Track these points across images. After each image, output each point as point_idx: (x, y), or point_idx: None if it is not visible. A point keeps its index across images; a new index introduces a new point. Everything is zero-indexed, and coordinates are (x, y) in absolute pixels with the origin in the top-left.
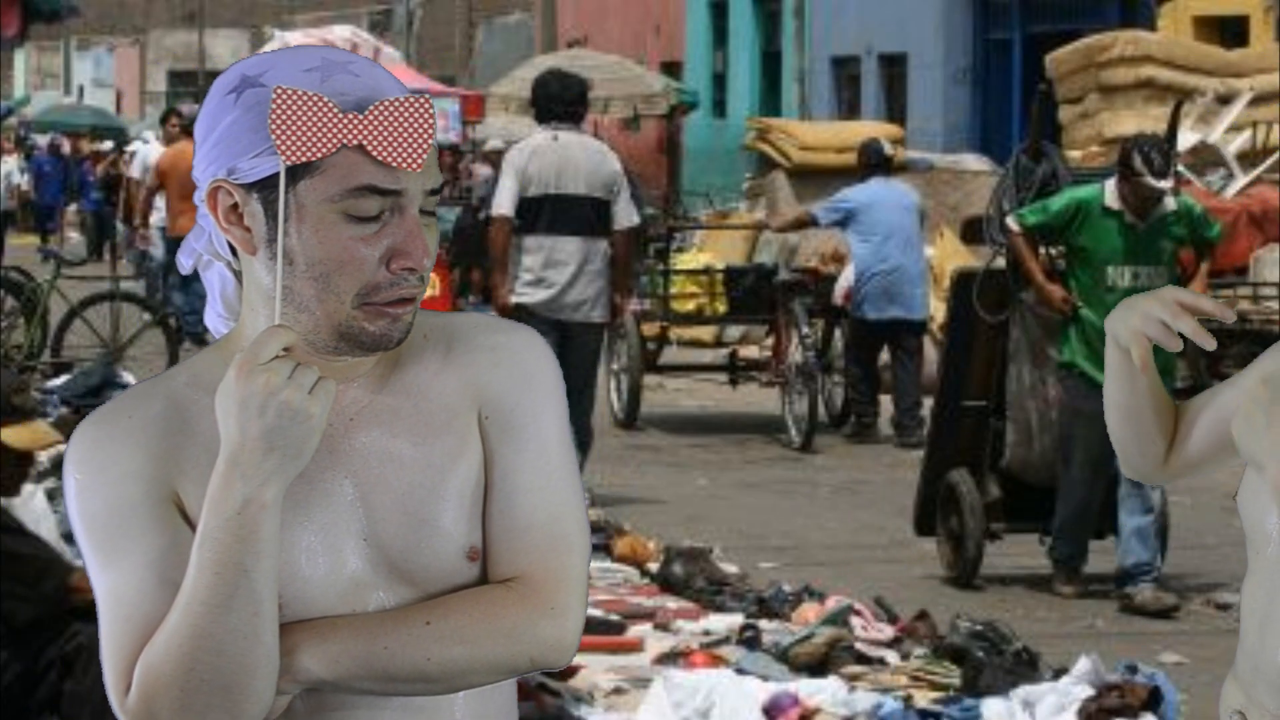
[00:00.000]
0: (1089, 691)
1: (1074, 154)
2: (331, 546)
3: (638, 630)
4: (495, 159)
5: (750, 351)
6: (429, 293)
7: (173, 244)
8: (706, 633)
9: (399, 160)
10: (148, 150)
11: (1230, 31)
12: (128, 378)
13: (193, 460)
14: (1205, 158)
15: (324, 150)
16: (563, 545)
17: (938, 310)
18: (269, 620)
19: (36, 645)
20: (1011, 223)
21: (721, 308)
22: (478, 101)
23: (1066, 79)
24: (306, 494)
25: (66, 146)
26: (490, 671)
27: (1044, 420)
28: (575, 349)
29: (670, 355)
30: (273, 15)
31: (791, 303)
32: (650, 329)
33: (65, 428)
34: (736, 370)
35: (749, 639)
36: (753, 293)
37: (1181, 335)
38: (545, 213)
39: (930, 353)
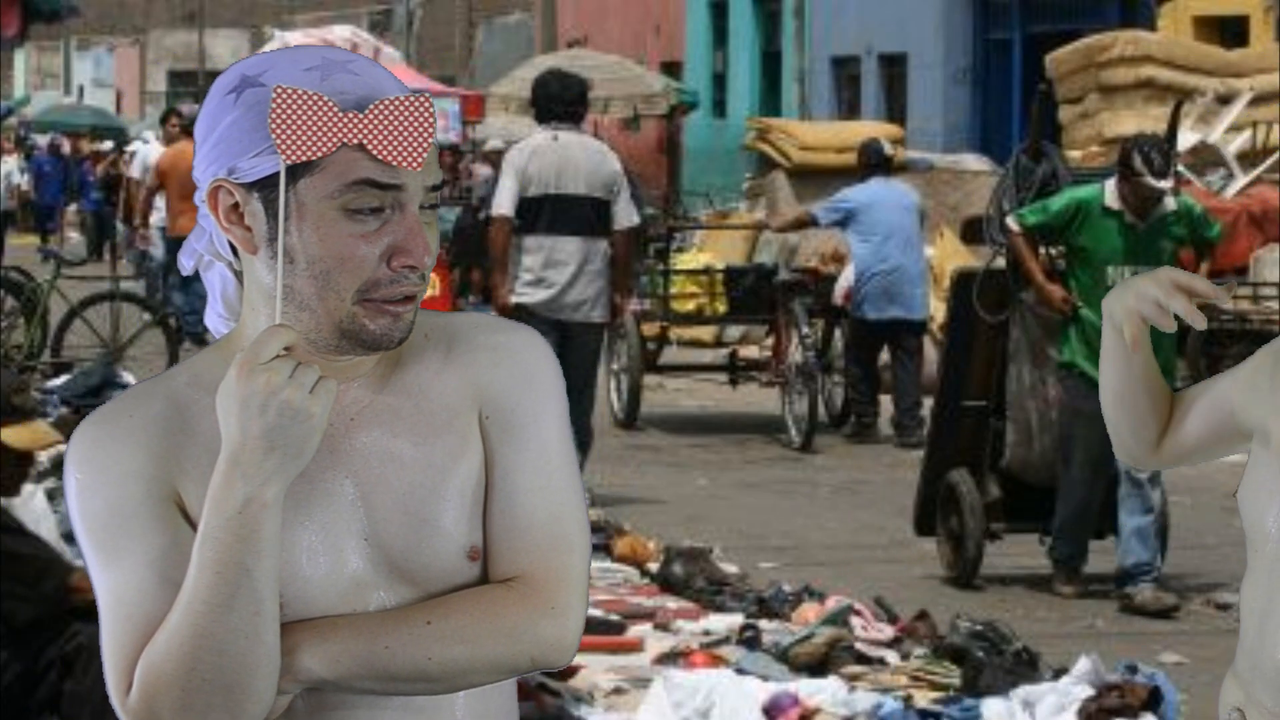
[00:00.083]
0: (1089, 691)
1: (1074, 154)
2: (332, 546)
3: (638, 630)
4: (495, 159)
5: (750, 351)
6: (429, 293)
7: (173, 244)
8: (706, 633)
9: (399, 159)
10: (148, 150)
11: (1230, 31)
12: (128, 378)
13: (194, 460)
14: (1205, 158)
15: (324, 149)
16: (563, 545)
17: (938, 310)
18: (270, 619)
19: (36, 645)
20: (1011, 223)
21: (721, 308)
22: (478, 101)
23: (1066, 79)
24: (307, 493)
25: (66, 146)
26: (491, 671)
27: (1044, 420)
28: (575, 349)
29: (670, 355)
30: (273, 15)
31: (791, 303)
32: (650, 329)
33: (65, 428)
34: (736, 370)
35: (749, 639)
36: (753, 293)
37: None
38: (545, 213)
39: (930, 353)
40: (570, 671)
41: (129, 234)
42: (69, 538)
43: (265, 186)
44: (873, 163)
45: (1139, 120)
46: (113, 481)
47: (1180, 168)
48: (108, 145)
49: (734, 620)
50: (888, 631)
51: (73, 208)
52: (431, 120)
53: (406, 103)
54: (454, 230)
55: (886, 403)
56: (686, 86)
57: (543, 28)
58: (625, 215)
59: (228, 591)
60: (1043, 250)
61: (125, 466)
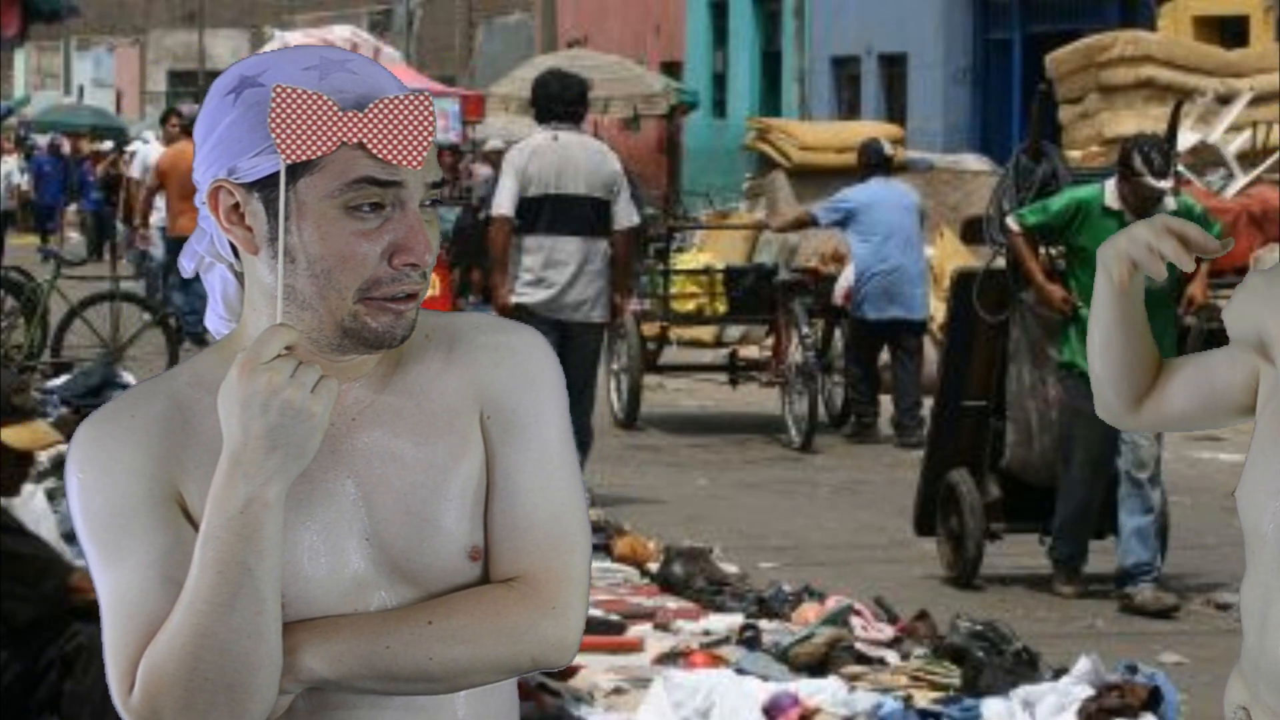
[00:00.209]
0: (1089, 691)
1: (1074, 154)
2: (334, 546)
3: (638, 630)
4: (495, 159)
5: (750, 351)
6: (429, 292)
7: (173, 244)
8: (706, 633)
9: (399, 157)
10: (148, 150)
11: (1230, 31)
12: (128, 378)
13: (195, 459)
14: (1205, 158)
15: (324, 148)
16: (564, 545)
17: (938, 310)
18: (272, 619)
19: (36, 645)
20: (1011, 223)
21: (721, 308)
22: (478, 101)
23: (1066, 79)
24: (309, 493)
25: (66, 146)
26: (492, 671)
27: (1044, 420)
28: (575, 349)
29: (670, 355)
30: (273, 15)
31: (791, 303)
32: (650, 329)
33: (65, 428)
34: (736, 370)
35: (749, 639)
36: (753, 293)
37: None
38: (545, 213)
39: (930, 353)
40: (570, 671)
41: (129, 234)
42: (69, 538)
43: (265, 186)
44: (873, 163)
45: (1139, 120)
46: (114, 481)
47: (1180, 168)
48: (108, 145)
49: (734, 620)
50: (888, 631)
51: (73, 208)
52: (431, 118)
53: (405, 101)
54: (454, 230)
55: (886, 403)
56: (686, 86)
57: (543, 28)
58: (625, 215)
59: (230, 591)
60: (1043, 250)
61: (127, 466)
